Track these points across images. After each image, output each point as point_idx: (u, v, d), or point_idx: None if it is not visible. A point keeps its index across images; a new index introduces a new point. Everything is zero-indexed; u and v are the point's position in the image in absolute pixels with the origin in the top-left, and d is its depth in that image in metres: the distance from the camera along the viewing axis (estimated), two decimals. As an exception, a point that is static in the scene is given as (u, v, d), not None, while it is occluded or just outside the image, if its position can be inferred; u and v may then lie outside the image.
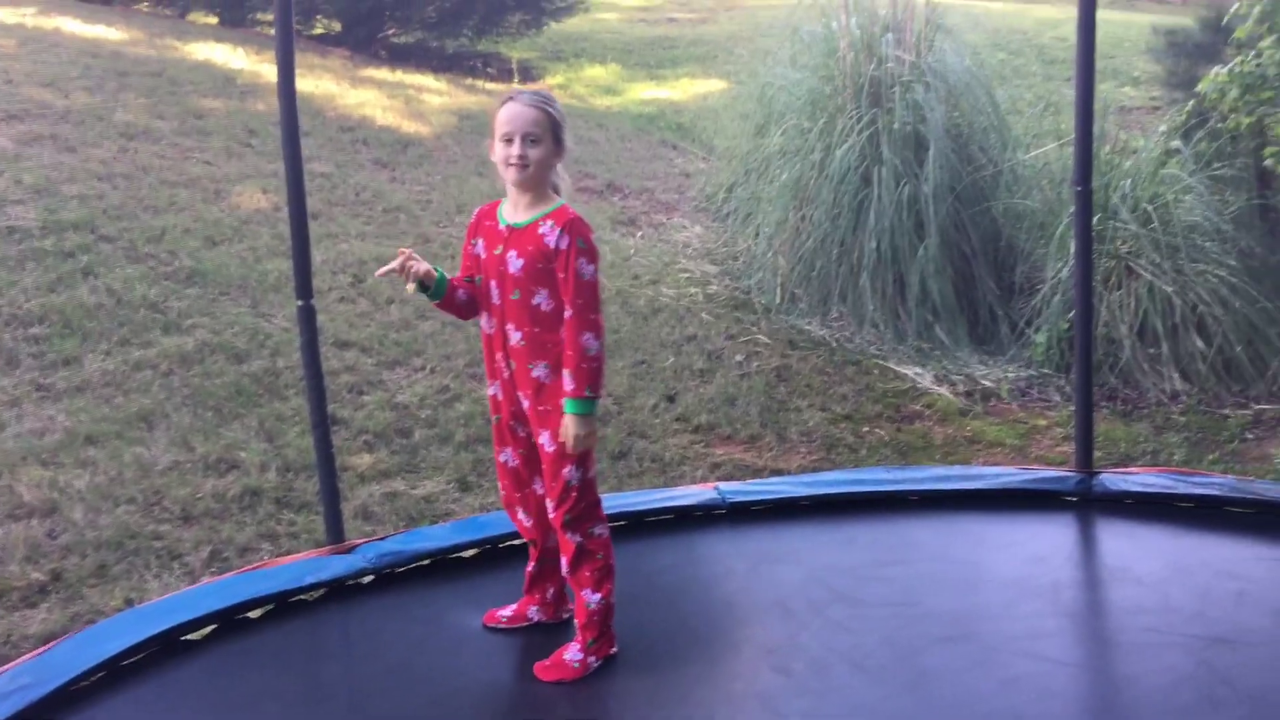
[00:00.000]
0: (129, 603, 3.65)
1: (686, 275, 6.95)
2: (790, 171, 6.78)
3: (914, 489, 4.17)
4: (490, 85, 11.07)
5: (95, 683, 3.03)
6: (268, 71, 9.55)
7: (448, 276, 3.04)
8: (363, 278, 6.32)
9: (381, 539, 3.72)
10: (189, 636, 3.24)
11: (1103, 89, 9.17)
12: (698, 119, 10.40)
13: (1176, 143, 6.36)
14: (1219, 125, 6.19)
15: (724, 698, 3.04)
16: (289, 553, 3.88)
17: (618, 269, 6.91)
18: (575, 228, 2.84)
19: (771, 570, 3.66)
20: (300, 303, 3.51)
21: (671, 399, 5.40)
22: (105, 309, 5.54)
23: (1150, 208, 5.93)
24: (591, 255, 2.86)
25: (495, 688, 3.06)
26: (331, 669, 3.20)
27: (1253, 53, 5.75)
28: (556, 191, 2.97)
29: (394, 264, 2.95)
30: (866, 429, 5.26)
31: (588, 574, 3.02)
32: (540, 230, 2.87)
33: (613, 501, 4.05)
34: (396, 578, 3.55)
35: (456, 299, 3.03)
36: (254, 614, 3.37)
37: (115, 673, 3.07)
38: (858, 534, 3.91)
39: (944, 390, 5.65)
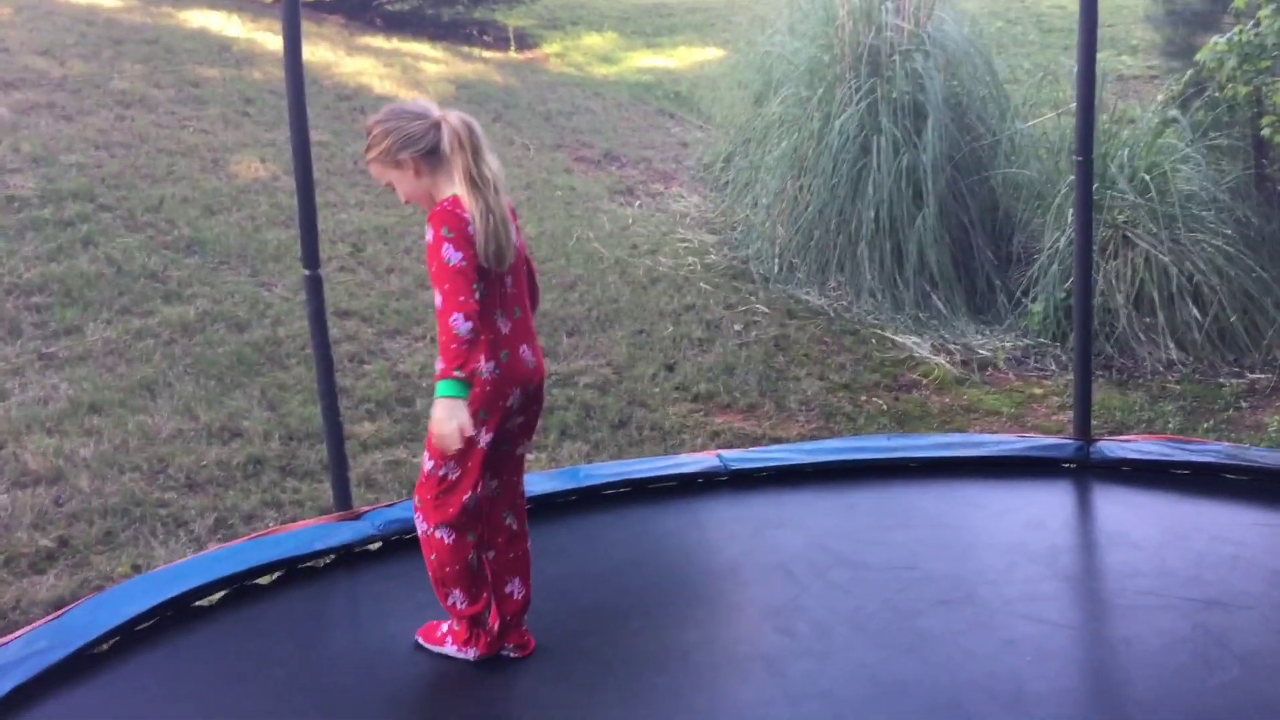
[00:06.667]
0: (136, 569, 3.68)
1: (685, 244, 6.97)
2: (789, 141, 6.78)
3: (914, 456, 4.22)
4: (487, 54, 11.04)
5: (110, 648, 3.08)
6: (263, 39, 9.51)
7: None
8: (362, 247, 6.33)
9: (389, 506, 3.76)
10: (201, 602, 3.28)
11: (1101, 57, 9.12)
12: (695, 88, 10.36)
13: (1174, 112, 6.37)
14: (1216, 95, 6.19)
15: (728, 659, 3.09)
16: (294, 520, 3.92)
17: (615, 238, 6.93)
18: (435, 219, 2.74)
19: (774, 535, 3.71)
20: (308, 272, 3.52)
21: (671, 368, 5.43)
22: (105, 278, 5.55)
23: (1148, 177, 5.95)
24: (457, 243, 2.69)
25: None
26: (339, 635, 3.25)
27: (1251, 21, 5.75)
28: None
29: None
30: (864, 398, 5.30)
31: (430, 565, 2.97)
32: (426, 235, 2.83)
33: (616, 469, 4.11)
34: (403, 544, 3.59)
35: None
36: (264, 580, 3.42)
37: (129, 637, 3.11)
38: (858, 500, 3.96)
39: (941, 359, 5.69)
